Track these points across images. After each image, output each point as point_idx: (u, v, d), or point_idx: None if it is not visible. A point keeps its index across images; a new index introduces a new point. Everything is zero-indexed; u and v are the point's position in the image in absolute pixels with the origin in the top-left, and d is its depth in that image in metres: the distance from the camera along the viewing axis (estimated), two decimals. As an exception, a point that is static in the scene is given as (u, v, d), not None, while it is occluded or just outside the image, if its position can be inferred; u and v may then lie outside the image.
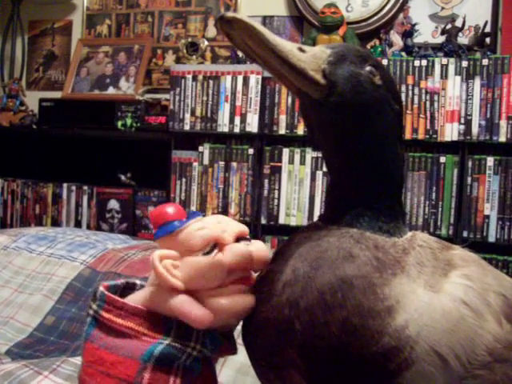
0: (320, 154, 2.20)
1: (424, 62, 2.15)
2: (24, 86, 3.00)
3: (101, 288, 0.55)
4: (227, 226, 0.55)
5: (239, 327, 0.57)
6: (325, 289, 0.48)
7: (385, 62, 2.17)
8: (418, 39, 2.38)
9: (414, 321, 0.47)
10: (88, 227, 2.61)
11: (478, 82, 2.10)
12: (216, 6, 2.81)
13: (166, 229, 0.53)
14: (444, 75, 2.13)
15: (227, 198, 2.35)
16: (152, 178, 2.57)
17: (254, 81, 2.31)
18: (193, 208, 2.38)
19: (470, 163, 2.10)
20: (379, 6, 2.47)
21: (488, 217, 2.08)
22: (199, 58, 2.55)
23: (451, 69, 2.13)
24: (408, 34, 2.30)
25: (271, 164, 2.30)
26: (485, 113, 2.09)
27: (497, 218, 2.07)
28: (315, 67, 0.50)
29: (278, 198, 2.29)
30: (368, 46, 2.48)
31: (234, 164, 2.35)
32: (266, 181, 2.31)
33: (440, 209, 2.13)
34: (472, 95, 2.10)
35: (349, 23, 2.42)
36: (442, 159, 2.13)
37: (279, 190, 2.29)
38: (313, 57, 0.51)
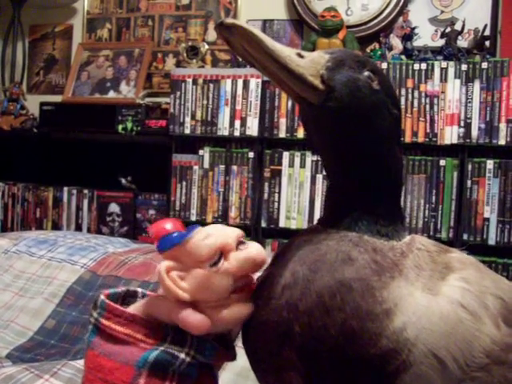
0: (320, 158, 2.21)
1: (424, 66, 2.16)
2: (25, 90, 3.01)
3: (101, 296, 0.55)
4: (227, 233, 0.55)
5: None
6: (324, 292, 0.49)
7: (384, 65, 2.18)
8: (417, 43, 2.38)
9: (412, 323, 0.47)
10: (88, 231, 2.61)
11: (477, 85, 2.10)
12: (216, 9, 2.82)
13: (171, 240, 0.52)
14: (444, 78, 2.14)
15: (227, 201, 2.36)
16: (152, 181, 2.57)
17: (254, 84, 2.32)
18: (193, 211, 2.39)
19: (469, 166, 2.10)
20: (379, 10, 2.48)
21: (488, 220, 2.08)
22: (199, 62, 2.56)
23: (451, 72, 2.13)
24: (408, 37, 2.31)
25: (271, 167, 2.31)
26: (484, 116, 2.09)
27: (497, 221, 2.07)
28: (314, 72, 0.51)
29: (279, 202, 2.30)
30: (368, 50, 2.48)
31: (235, 167, 2.35)
32: (267, 184, 2.31)
33: (440, 212, 2.14)
34: (471, 98, 2.11)
35: (348, 27, 2.43)
36: (442, 162, 2.14)
37: (279, 193, 2.30)
38: (311, 62, 0.51)
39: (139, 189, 2.62)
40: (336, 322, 0.48)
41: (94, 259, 1.23)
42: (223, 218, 2.35)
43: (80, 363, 0.90)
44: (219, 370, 0.59)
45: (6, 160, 2.88)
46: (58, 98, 2.93)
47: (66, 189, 2.67)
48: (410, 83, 2.16)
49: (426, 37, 2.47)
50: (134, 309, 0.55)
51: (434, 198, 2.14)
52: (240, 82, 2.34)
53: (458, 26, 2.31)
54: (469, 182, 2.10)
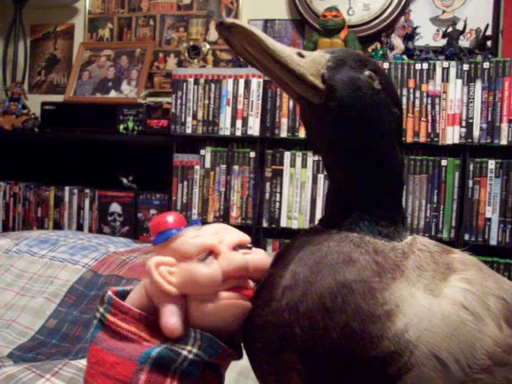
0: (321, 158, 2.20)
1: (425, 66, 2.15)
2: (26, 90, 3.02)
3: (109, 292, 0.56)
4: (225, 236, 0.56)
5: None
6: (325, 293, 0.48)
7: (386, 65, 2.17)
8: (419, 42, 2.38)
9: (413, 325, 0.47)
10: (90, 230, 2.61)
11: (479, 85, 2.10)
12: (217, 9, 2.82)
13: (162, 236, 0.54)
14: (445, 78, 2.13)
15: (229, 201, 2.36)
16: (154, 181, 2.57)
17: (256, 84, 2.32)
18: (194, 211, 2.39)
19: (471, 166, 2.10)
20: (380, 10, 2.48)
21: (489, 220, 2.08)
22: (201, 62, 2.56)
23: (452, 72, 2.13)
24: (409, 37, 2.30)
25: (273, 167, 2.31)
26: (486, 116, 2.09)
27: (498, 221, 2.07)
28: (314, 72, 0.51)
29: (280, 201, 2.30)
30: (369, 50, 2.48)
31: (236, 167, 2.35)
32: (268, 184, 2.31)
33: (441, 212, 2.13)
34: (473, 98, 2.10)
35: (350, 26, 2.43)
36: (444, 162, 2.13)
37: (281, 193, 2.30)
38: (312, 62, 0.51)
39: (140, 188, 2.63)
40: (337, 323, 0.47)
41: (95, 259, 1.23)
42: (224, 218, 2.35)
43: (81, 363, 0.90)
44: (226, 369, 0.59)
45: (7, 159, 2.88)
46: (59, 98, 2.93)
47: (67, 188, 2.68)
48: (411, 83, 2.16)
49: (428, 37, 2.47)
50: (130, 300, 0.56)
51: (435, 198, 2.14)
52: (241, 82, 2.34)
53: (459, 26, 2.31)
54: (470, 182, 2.10)
